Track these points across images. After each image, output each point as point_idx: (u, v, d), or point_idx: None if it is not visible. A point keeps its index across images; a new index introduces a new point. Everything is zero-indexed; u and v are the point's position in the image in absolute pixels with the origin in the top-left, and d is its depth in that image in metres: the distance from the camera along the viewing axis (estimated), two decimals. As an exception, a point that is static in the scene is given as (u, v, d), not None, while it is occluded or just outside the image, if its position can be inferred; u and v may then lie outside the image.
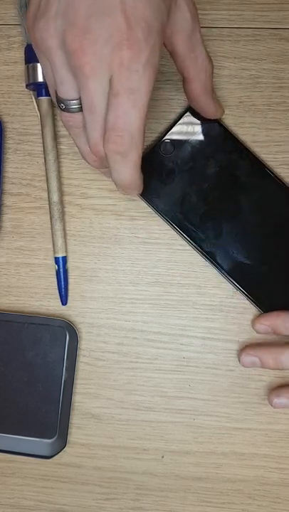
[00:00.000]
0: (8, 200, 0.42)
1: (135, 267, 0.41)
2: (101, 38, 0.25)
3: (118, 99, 0.27)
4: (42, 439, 0.41)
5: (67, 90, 0.28)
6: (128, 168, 0.30)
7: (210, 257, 0.39)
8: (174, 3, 0.28)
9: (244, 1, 0.39)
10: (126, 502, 0.42)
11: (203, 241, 0.39)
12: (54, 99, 0.31)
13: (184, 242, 0.40)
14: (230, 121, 0.39)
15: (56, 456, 0.41)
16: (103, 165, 0.32)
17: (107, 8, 0.25)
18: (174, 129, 0.39)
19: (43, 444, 0.41)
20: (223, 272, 0.39)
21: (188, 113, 0.38)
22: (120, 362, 0.42)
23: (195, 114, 0.38)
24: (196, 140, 0.39)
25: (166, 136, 0.39)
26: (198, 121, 0.38)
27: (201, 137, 0.39)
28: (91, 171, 0.41)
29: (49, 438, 0.41)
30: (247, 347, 0.39)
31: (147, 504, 0.42)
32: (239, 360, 0.39)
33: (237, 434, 0.41)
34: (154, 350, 0.41)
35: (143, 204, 0.40)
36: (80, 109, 0.29)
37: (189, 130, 0.39)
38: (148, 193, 0.39)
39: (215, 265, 0.39)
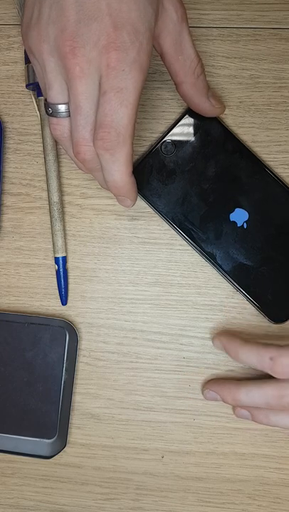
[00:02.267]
0: (8, 200, 0.42)
1: (135, 267, 0.41)
2: (90, 41, 0.27)
3: (105, 97, 0.28)
4: (42, 439, 0.41)
5: (55, 94, 0.30)
6: (118, 167, 0.30)
7: (210, 257, 0.39)
8: (161, 6, 0.29)
9: (244, 1, 0.39)
10: (126, 502, 0.42)
11: (204, 241, 0.39)
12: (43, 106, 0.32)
13: (184, 242, 0.40)
14: (230, 121, 0.39)
15: (56, 456, 0.41)
16: (89, 168, 0.32)
17: (94, 12, 0.26)
18: (174, 130, 0.39)
19: (43, 444, 0.41)
20: (223, 272, 0.39)
21: (189, 113, 0.38)
22: (120, 362, 0.42)
23: (196, 114, 0.37)
24: (197, 140, 0.39)
25: (167, 137, 0.39)
26: (199, 122, 0.38)
27: (202, 137, 0.39)
28: (91, 171, 0.41)
29: (49, 438, 0.41)
30: (208, 382, 0.40)
31: (147, 504, 0.42)
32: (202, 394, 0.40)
33: (237, 434, 0.41)
34: (154, 350, 0.41)
35: (143, 204, 0.40)
36: (68, 115, 0.30)
37: (190, 130, 0.39)
38: (148, 193, 0.39)
39: (215, 266, 0.39)
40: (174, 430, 0.42)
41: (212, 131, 0.38)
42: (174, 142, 0.39)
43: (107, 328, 0.42)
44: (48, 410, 0.41)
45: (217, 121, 0.38)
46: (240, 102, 0.39)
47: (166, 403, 0.41)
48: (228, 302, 0.40)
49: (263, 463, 0.41)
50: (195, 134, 0.39)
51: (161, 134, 0.40)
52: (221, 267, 0.39)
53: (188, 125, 0.39)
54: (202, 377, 0.41)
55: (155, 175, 0.39)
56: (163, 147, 0.39)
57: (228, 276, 0.39)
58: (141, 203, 0.41)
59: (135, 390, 0.42)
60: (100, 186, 0.41)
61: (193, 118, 0.38)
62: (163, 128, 0.40)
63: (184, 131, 0.39)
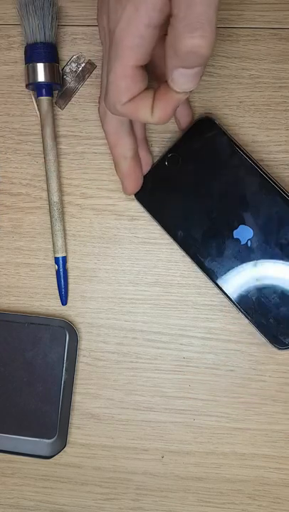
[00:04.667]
0: (8, 200, 0.42)
1: (135, 267, 0.41)
2: None
3: None
4: (42, 439, 0.41)
5: None
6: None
7: (210, 274, 0.38)
8: None
9: (244, 1, 0.39)
10: (126, 502, 0.42)
11: (205, 258, 0.38)
12: None
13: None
14: (230, 121, 0.39)
15: (56, 456, 0.41)
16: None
17: None
18: (180, 143, 0.38)
19: (42, 444, 0.41)
20: (222, 291, 0.38)
21: (196, 126, 0.38)
22: (120, 362, 0.42)
23: (203, 127, 0.37)
24: (204, 154, 0.38)
25: (173, 150, 0.38)
26: (206, 135, 0.38)
27: (208, 151, 0.38)
28: (91, 171, 0.41)
29: (49, 438, 0.41)
30: None
31: (147, 504, 0.42)
32: None
33: (237, 434, 0.41)
34: (154, 350, 0.41)
35: (143, 204, 0.41)
36: None
37: (197, 144, 0.38)
38: (152, 206, 0.39)
39: (215, 284, 0.38)
40: (174, 430, 0.42)
41: (219, 145, 0.38)
42: (179, 155, 0.38)
43: (107, 328, 0.42)
44: (48, 410, 0.41)
45: (225, 136, 0.38)
46: (240, 102, 0.39)
47: (166, 403, 0.41)
48: (228, 302, 0.40)
49: (263, 463, 0.41)
50: (201, 147, 0.38)
51: (167, 148, 0.39)
52: (220, 285, 0.38)
53: (195, 138, 0.38)
54: (202, 377, 0.41)
55: (159, 188, 0.39)
56: (168, 160, 0.38)
57: (229, 296, 0.38)
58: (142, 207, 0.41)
59: (135, 390, 0.42)
60: (100, 186, 0.41)
61: (201, 131, 0.38)
62: (170, 141, 0.40)
63: (190, 144, 0.38)
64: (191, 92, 0.30)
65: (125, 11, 0.28)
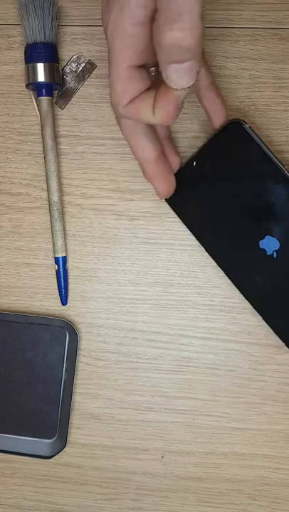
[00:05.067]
0: (8, 200, 0.42)
1: (135, 267, 0.41)
2: None
3: None
4: (42, 439, 0.41)
5: None
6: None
7: (234, 281, 0.38)
8: None
9: (244, 1, 0.39)
10: (126, 502, 0.42)
11: (229, 265, 0.38)
12: None
13: (185, 242, 0.40)
14: (230, 121, 0.39)
15: (56, 456, 0.41)
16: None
17: None
18: (210, 145, 0.37)
19: (42, 444, 0.41)
20: (246, 296, 0.38)
21: (225, 129, 0.36)
22: (120, 362, 0.42)
23: (233, 131, 0.36)
24: (233, 159, 0.37)
25: (202, 152, 0.37)
26: (237, 140, 0.36)
27: (238, 157, 0.36)
28: (91, 171, 0.41)
29: (49, 438, 0.41)
30: None
31: (147, 504, 0.42)
32: None
33: (237, 434, 0.41)
34: (154, 350, 0.41)
35: (143, 204, 0.41)
36: None
37: (226, 148, 0.36)
38: (179, 208, 0.38)
39: (238, 290, 0.38)
40: (174, 430, 0.42)
41: (249, 151, 0.36)
42: (208, 158, 0.37)
43: (107, 328, 0.42)
44: (47, 410, 0.41)
45: (255, 141, 0.36)
46: (240, 102, 0.39)
47: (166, 403, 0.41)
48: (228, 302, 0.40)
49: (263, 463, 0.41)
50: (230, 152, 0.36)
51: (197, 149, 0.38)
52: (243, 292, 0.38)
53: (224, 142, 0.36)
54: (202, 377, 0.41)
55: (187, 190, 0.38)
56: (197, 163, 0.37)
57: (250, 301, 0.38)
58: (141, 203, 0.41)
59: (135, 390, 0.42)
60: (100, 186, 0.41)
61: (230, 135, 0.36)
62: (200, 143, 0.39)
63: (220, 148, 0.37)
64: (189, 87, 0.29)
65: (112, 13, 0.28)
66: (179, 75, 0.27)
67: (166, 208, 0.40)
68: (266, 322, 0.38)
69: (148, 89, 0.30)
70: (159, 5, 0.25)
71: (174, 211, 0.39)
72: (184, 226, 0.39)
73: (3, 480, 0.43)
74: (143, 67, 0.30)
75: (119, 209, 0.41)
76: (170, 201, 0.38)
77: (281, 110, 0.39)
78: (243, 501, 0.41)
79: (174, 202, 0.38)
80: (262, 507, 0.41)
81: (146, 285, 0.41)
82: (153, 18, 0.27)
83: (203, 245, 0.38)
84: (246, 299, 0.38)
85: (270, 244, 0.37)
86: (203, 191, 0.37)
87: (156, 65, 0.29)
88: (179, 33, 0.25)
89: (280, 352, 0.40)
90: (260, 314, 0.38)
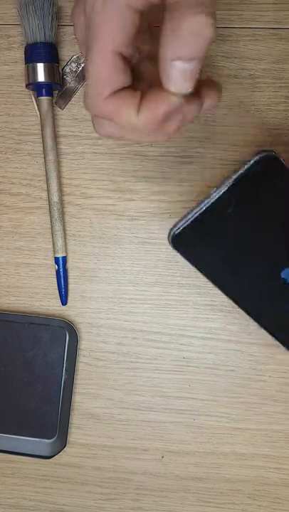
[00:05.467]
0: (8, 200, 0.42)
1: (135, 267, 0.41)
2: None
3: None
4: (42, 439, 0.41)
5: None
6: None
7: (251, 314, 0.36)
8: None
9: (244, 1, 0.39)
10: (126, 502, 0.42)
11: (247, 298, 0.36)
12: None
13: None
14: (230, 121, 0.39)
15: (56, 456, 0.41)
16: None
17: None
18: (235, 182, 0.32)
19: (42, 444, 0.41)
20: (267, 331, 0.37)
21: (259, 159, 0.32)
22: (120, 362, 0.42)
23: (268, 161, 0.32)
24: (266, 197, 0.33)
25: (227, 188, 0.33)
26: (271, 172, 0.32)
27: (272, 194, 0.33)
28: (91, 171, 0.41)
29: (49, 438, 0.41)
30: None
31: (147, 504, 0.42)
32: None
33: (237, 434, 0.41)
34: (154, 350, 0.41)
35: (143, 204, 0.41)
36: None
37: (254, 183, 0.33)
38: (193, 255, 0.35)
39: (259, 324, 0.37)
40: (174, 430, 0.42)
41: (279, 187, 0.33)
42: (235, 196, 0.33)
43: (107, 328, 0.42)
44: (47, 410, 0.41)
45: (287, 176, 0.33)
46: (240, 102, 0.39)
47: (166, 403, 0.41)
48: (228, 302, 0.40)
49: (263, 463, 0.41)
50: (264, 188, 0.33)
51: (217, 188, 0.34)
52: (264, 325, 0.36)
53: (257, 175, 0.32)
54: (202, 377, 0.41)
55: (205, 235, 0.34)
56: (220, 204, 0.33)
57: (274, 336, 0.37)
58: (140, 203, 0.41)
59: (135, 390, 0.42)
60: (100, 186, 0.41)
61: (265, 166, 0.32)
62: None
63: (250, 183, 0.33)
64: (186, 95, 0.26)
65: None
66: (182, 75, 0.25)
67: (167, 207, 0.40)
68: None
69: (130, 88, 0.27)
70: None
71: (184, 257, 0.35)
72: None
73: (3, 480, 0.43)
74: (126, 61, 0.27)
75: (119, 209, 0.41)
76: (181, 248, 0.35)
77: (281, 110, 0.39)
78: (243, 501, 0.41)
79: (187, 249, 0.35)
80: (262, 507, 0.41)
81: (146, 285, 0.41)
82: (147, 14, 0.25)
83: (224, 291, 0.36)
84: (267, 331, 0.37)
85: None
86: (223, 232, 0.34)
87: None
88: (206, 19, 0.23)
89: (280, 352, 0.40)
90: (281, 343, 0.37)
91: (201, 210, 0.33)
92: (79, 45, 0.28)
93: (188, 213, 0.34)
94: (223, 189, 0.33)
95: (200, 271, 0.35)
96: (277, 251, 0.35)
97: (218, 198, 0.33)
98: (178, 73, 0.25)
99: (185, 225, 0.34)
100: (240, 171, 0.32)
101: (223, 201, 0.33)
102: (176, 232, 0.34)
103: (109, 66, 0.26)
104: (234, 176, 0.32)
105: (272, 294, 0.36)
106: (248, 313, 0.36)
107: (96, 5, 0.25)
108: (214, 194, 0.33)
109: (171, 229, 0.34)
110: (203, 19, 0.23)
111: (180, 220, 0.34)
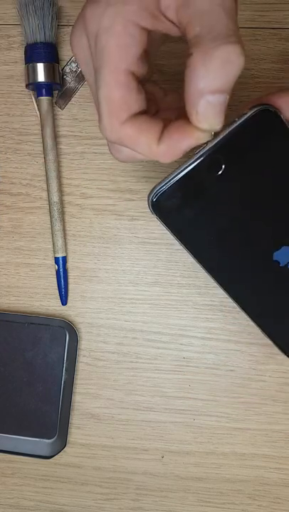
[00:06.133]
0: (8, 200, 0.42)
1: (135, 267, 0.41)
2: None
3: None
4: (42, 439, 0.41)
5: None
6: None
7: (238, 300, 0.32)
8: None
9: (244, 1, 0.39)
10: (126, 502, 0.42)
11: (235, 280, 0.32)
12: None
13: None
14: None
15: (56, 456, 0.41)
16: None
17: None
18: (227, 140, 0.27)
19: (42, 444, 0.41)
20: (252, 317, 0.33)
21: (249, 117, 0.27)
22: (120, 362, 0.42)
23: (260, 119, 0.27)
24: (257, 157, 0.28)
25: (215, 148, 0.27)
26: (268, 130, 0.28)
27: (264, 153, 0.28)
28: (91, 171, 0.41)
29: (49, 438, 0.41)
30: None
31: (147, 504, 0.42)
32: None
33: (237, 434, 0.41)
34: (154, 350, 0.41)
35: (143, 204, 0.40)
36: None
37: (248, 142, 0.28)
38: (176, 223, 0.30)
39: (244, 310, 0.33)
40: (174, 430, 0.42)
41: (281, 146, 0.28)
42: (223, 157, 0.28)
43: (107, 328, 0.42)
44: (48, 410, 0.41)
45: (286, 135, 0.28)
46: (240, 102, 0.39)
47: (166, 403, 0.41)
48: (228, 302, 0.40)
49: (263, 463, 0.41)
50: (255, 147, 0.28)
51: (205, 145, 0.28)
52: (250, 311, 0.33)
53: (247, 134, 0.28)
54: (202, 377, 0.41)
55: (194, 200, 0.29)
56: (207, 163, 0.28)
57: (258, 323, 0.33)
58: (140, 203, 0.41)
59: (135, 390, 0.42)
60: (100, 186, 0.41)
61: (256, 124, 0.28)
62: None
63: (240, 142, 0.28)
64: (216, 133, 0.25)
65: (110, 7, 0.24)
66: (213, 111, 0.23)
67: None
68: (272, 340, 0.34)
69: (145, 112, 0.26)
70: (200, 28, 0.23)
71: (166, 225, 0.30)
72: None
73: (3, 480, 0.43)
74: (140, 83, 0.26)
75: (119, 209, 0.41)
76: (161, 214, 0.29)
77: (281, 110, 0.39)
78: (243, 501, 0.41)
79: (169, 214, 0.29)
80: (262, 507, 0.41)
81: (146, 285, 0.41)
82: (154, 36, 0.25)
83: (205, 267, 0.31)
84: (254, 320, 0.34)
85: (285, 255, 0.31)
86: (216, 199, 0.29)
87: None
88: (235, 48, 0.22)
89: (280, 352, 0.40)
90: (269, 337, 0.34)
91: (186, 170, 0.28)
92: (82, 69, 0.27)
93: (172, 173, 0.28)
94: (211, 146, 0.27)
95: (183, 244, 0.31)
96: (271, 225, 0.31)
97: (206, 156, 0.28)
98: (209, 108, 0.23)
99: (166, 187, 0.28)
100: (232, 126, 0.27)
101: (213, 162, 0.28)
102: (156, 196, 0.29)
103: (123, 87, 0.25)
104: (224, 132, 0.27)
105: (263, 276, 0.32)
106: (234, 298, 0.33)
107: (103, 24, 0.24)
108: (201, 151, 0.28)
109: (152, 190, 0.29)
110: (234, 48, 0.22)
111: (163, 181, 0.28)
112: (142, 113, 0.26)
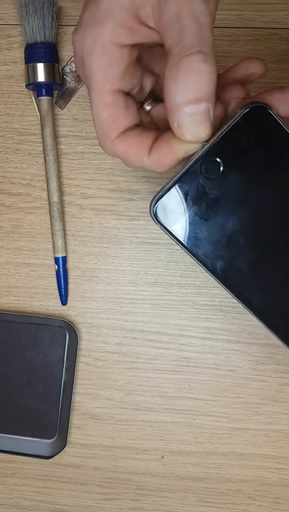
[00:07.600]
0: (8, 200, 0.42)
1: (135, 267, 0.41)
2: None
3: None
4: (42, 439, 0.41)
5: None
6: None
7: (257, 314, 0.31)
8: None
9: (244, 1, 0.39)
10: (126, 502, 0.42)
11: (252, 296, 0.30)
12: None
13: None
14: (230, 121, 0.39)
15: (56, 456, 0.41)
16: None
17: None
18: (221, 141, 0.27)
19: (42, 444, 0.41)
20: (269, 328, 0.31)
21: (245, 116, 0.27)
22: (120, 362, 0.42)
23: (253, 120, 0.27)
24: (255, 158, 0.28)
25: (211, 151, 0.27)
26: (257, 128, 0.27)
27: (261, 154, 0.28)
28: (91, 171, 0.41)
29: (49, 438, 0.41)
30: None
31: (147, 504, 0.42)
32: None
33: (237, 434, 0.41)
34: (154, 350, 0.41)
35: (143, 204, 0.40)
36: None
37: (245, 143, 0.27)
38: (180, 229, 0.28)
39: (261, 320, 0.31)
40: (174, 430, 0.42)
41: (279, 144, 0.28)
42: (219, 159, 0.27)
43: (107, 328, 0.42)
44: (48, 410, 0.41)
45: (285, 131, 0.28)
46: (240, 102, 0.39)
47: (166, 403, 0.41)
48: (228, 302, 0.40)
49: (263, 463, 0.41)
50: (253, 148, 0.27)
51: (201, 148, 0.27)
52: (269, 321, 0.31)
53: (244, 135, 0.27)
54: (202, 377, 0.41)
55: (191, 205, 0.28)
56: (204, 167, 0.27)
57: (269, 325, 0.31)
58: (140, 203, 0.41)
59: (135, 390, 0.42)
60: (100, 186, 0.41)
61: (253, 124, 0.27)
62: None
63: (236, 143, 0.27)
64: (205, 142, 0.25)
65: (90, 31, 0.24)
66: (193, 120, 0.23)
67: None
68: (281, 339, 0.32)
69: (138, 125, 0.27)
70: (171, 40, 0.23)
71: (168, 232, 0.29)
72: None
73: (3, 480, 0.43)
74: (129, 96, 0.26)
75: (119, 209, 0.41)
76: (162, 220, 0.28)
77: (281, 110, 0.39)
78: (243, 501, 0.41)
79: (170, 220, 0.28)
80: (262, 507, 0.41)
81: (146, 285, 0.41)
82: (138, 48, 0.25)
83: (215, 274, 0.30)
84: (271, 330, 0.31)
85: None
86: (214, 202, 0.28)
87: (146, 98, 0.27)
88: (200, 56, 0.22)
89: (280, 352, 0.40)
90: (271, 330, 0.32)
91: (185, 176, 0.28)
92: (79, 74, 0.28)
93: (170, 180, 0.28)
94: (206, 149, 0.27)
95: (189, 251, 0.29)
96: (282, 230, 0.30)
97: (203, 159, 0.27)
98: (188, 119, 0.23)
99: (165, 196, 0.28)
100: (226, 127, 0.27)
101: (209, 164, 0.27)
102: (156, 207, 0.28)
103: (109, 107, 0.25)
104: (219, 133, 0.27)
105: (283, 282, 0.30)
106: (241, 299, 0.31)
107: (85, 46, 0.25)
108: (197, 155, 0.27)
109: (152, 201, 0.29)
110: (196, 57, 0.23)
111: (161, 190, 0.28)
112: (136, 125, 0.27)
